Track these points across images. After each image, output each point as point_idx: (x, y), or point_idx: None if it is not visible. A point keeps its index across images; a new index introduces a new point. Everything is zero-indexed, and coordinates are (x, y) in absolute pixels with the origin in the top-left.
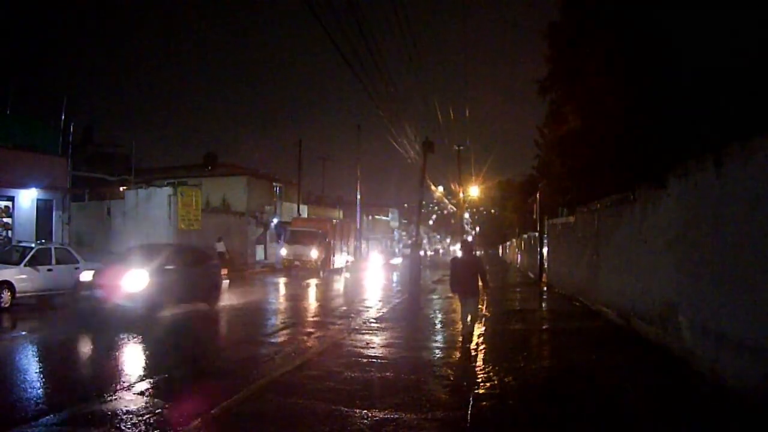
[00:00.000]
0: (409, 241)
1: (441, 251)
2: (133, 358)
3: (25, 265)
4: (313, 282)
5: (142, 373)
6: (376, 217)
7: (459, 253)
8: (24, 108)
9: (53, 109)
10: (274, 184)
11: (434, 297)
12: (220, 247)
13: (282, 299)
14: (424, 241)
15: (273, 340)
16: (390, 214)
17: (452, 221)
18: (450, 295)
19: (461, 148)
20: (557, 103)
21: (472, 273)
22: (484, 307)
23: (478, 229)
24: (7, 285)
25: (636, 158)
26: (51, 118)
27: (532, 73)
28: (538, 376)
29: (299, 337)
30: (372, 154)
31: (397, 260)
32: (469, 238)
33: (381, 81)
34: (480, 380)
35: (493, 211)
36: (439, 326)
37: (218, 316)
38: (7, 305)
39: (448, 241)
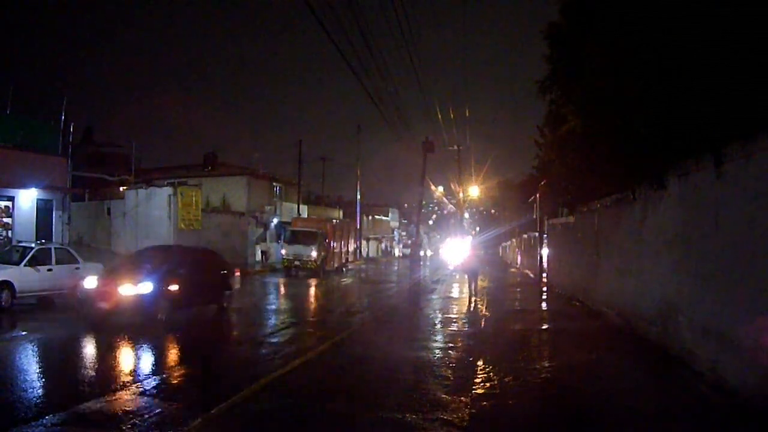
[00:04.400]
0: (409, 241)
1: (441, 251)
2: (134, 359)
3: (25, 265)
4: (313, 282)
5: (144, 372)
6: (376, 217)
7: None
8: (24, 108)
9: (53, 109)
10: (274, 184)
11: (434, 297)
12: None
13: (282, 299)
14: (425, 240)
15: (273, 340)
16: (390, 214)
17: (452, 221)
18: (448, 295)
19: (461, 147)
20: (557, 103)
21: (475, 263)
22: (484, 307)
23: (478, 229)
24: (7, 285)
25: (636, 158)
26: (51, 118)
27: (532, 73)
28: (538, 376)
29: (299, 337)
30: (372, 154)
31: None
32: (468, 238)
33: (381, 80)
34: (480, 380)
35: (493, 211)
36: (438, 326)
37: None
38: (7, 305)
39: (448, 240)
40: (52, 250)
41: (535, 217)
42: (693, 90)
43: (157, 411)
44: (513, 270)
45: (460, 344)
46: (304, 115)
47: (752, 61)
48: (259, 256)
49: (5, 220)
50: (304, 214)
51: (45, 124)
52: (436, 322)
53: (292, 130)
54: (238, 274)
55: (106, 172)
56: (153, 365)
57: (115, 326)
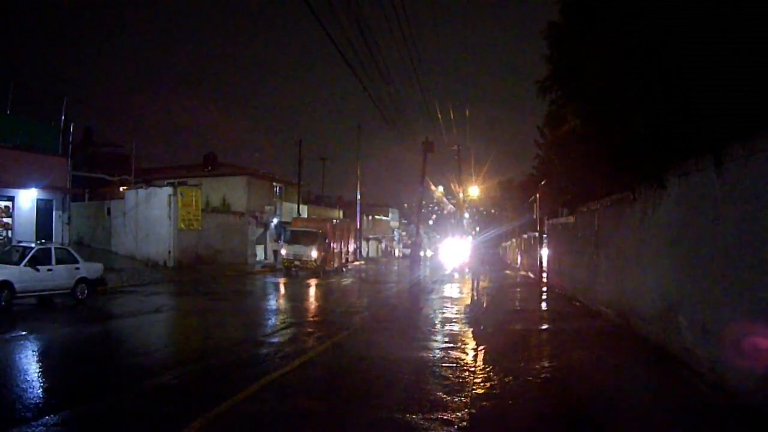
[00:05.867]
0: (409, 241)
1: (440, 251)
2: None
3: (25, 265)
4: (312, 282)
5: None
6: (376, 217)
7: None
8: (24, 108)
9: (53, 109)
10: (274, 184)
11: (433, 297)
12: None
13: (282, 300)
14: (425, 241)
15: (273, 340)
16: (390, 214)
17: (452, 221)
18: (448, 295)
19: (460, 147)
20: (557, 103)
21: (476, 264)
22: (484, 307)
23: (478, 229)
24: (6, 285)
25: (636, 158)
26: (51, 118)
27: (532, 73)
28: (538, 376)
29: (299, 337)
30: (372, 154)
31: None
32: (469, 238)
33: (381, 80)
34: (480, 380)
35: (493, 211)
36: (438, 326)
37: None
38: (6, 305)
39: (446, 240)
40: (52, 250)
41: (535, 217)
42: (693, 90)
43: None
44: (513, 270)
45: (459, 344)
46: (304, 115)
47: (752, 61)
48: (262, 256)
49: (5, 220)
50: (304, 214)
51: (45, 124)
52: (436, 322)
53: (292, 130)
54: None
55: (106, 172)
56: None
57: None
